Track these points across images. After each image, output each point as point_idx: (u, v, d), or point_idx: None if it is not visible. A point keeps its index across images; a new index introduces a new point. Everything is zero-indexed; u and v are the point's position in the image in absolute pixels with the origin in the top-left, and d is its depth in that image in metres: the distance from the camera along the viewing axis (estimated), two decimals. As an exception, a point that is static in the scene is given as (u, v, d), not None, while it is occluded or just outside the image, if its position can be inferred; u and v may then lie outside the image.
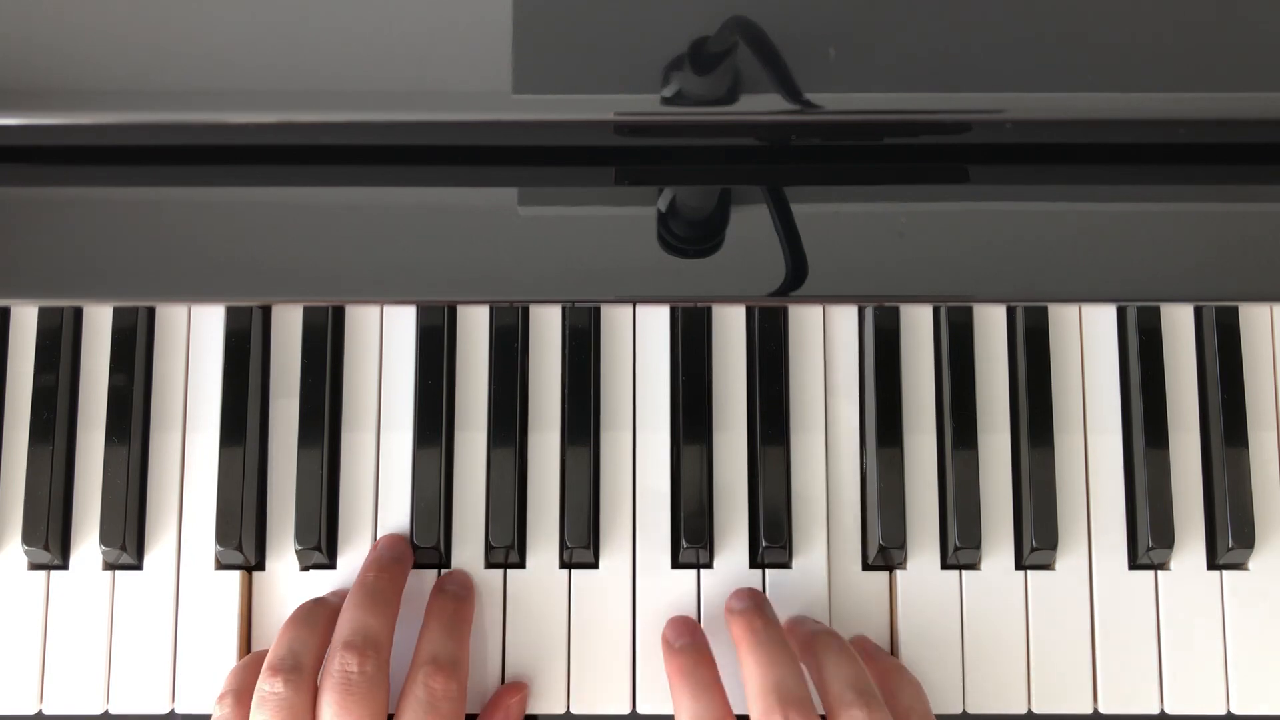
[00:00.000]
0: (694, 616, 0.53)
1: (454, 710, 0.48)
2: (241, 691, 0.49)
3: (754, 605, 0.50)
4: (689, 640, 0.50)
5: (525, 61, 0.49)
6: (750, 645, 0.48)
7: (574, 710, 0.53)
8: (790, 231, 0.51)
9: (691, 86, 0.49)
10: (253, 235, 0.51)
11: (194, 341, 0.55)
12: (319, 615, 0.50)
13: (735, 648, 0.49)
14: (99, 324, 0.55)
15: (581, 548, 0.53)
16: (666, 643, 0.51)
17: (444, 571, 0.54)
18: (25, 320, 0.56)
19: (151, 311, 0.56)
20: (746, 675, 0.47)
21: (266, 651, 0.50)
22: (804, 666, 0.48)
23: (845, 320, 0.55)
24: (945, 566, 0.54)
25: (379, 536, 0.54)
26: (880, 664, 0.50)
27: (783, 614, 0.53)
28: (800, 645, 0.50)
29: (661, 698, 0.53)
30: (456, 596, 0.52)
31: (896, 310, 0.55)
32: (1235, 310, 0.55)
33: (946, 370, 0.55)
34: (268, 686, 0.47)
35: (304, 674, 0.47)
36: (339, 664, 0.46)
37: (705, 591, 0.53)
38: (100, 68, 0.49)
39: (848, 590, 0.54)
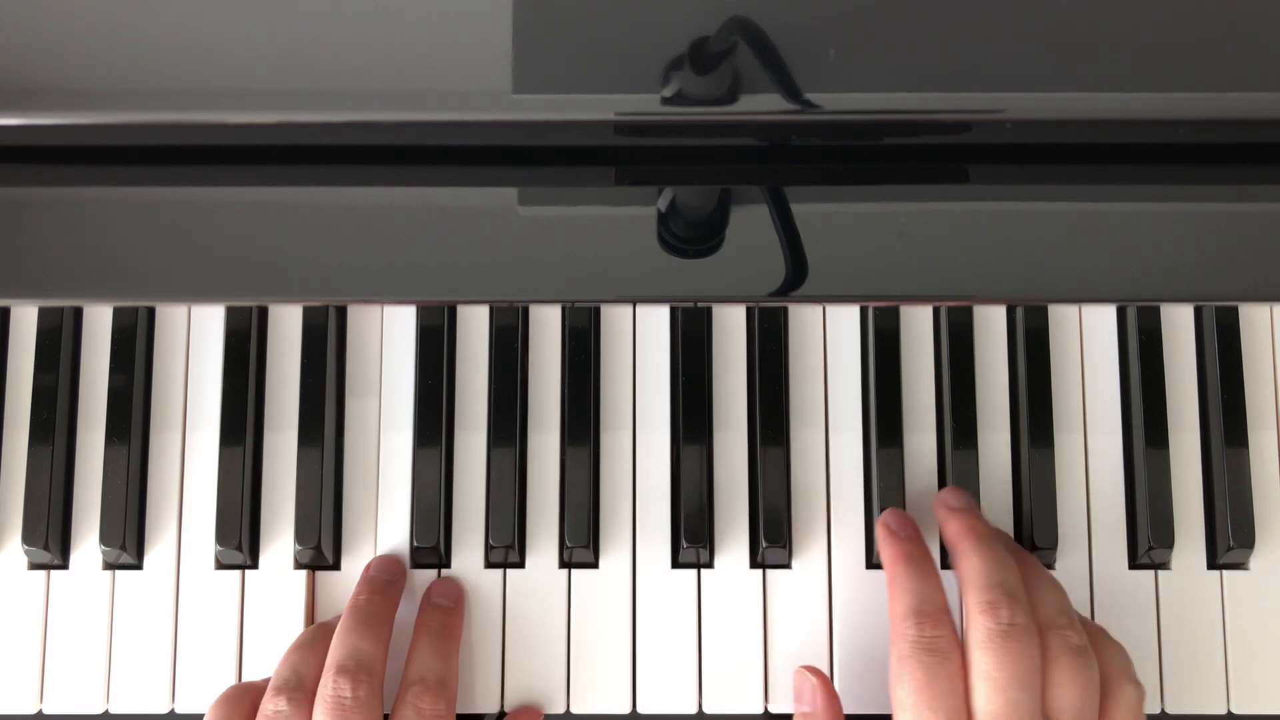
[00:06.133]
0: (694, 617, 0.53)
1: None
2: None
3: (972, 507, 0.52)
4: (913, 532, 0.51)
5: (525, 61, 0.49)
6: (974, 543, 0.49)
7: (574, 710, 0.53)
8: (790, 231, 0.51)
9: (691, 86, 0.49)
10: (253, 235, 0.51)
11: (194, 341, 0.55)
12: (320, 637, 0.51)
13: (951, 543, 0.50)
14: (99, 324, 0.55)
15: (581, 547, 0.53)
16: (888, 529, 0.51)
17: (436, 580, 0.54)
18: (25, 320, 0.55)
19: (151, 311, 0.56)
20: (968, 568, 0.48)
21: (252, 685, 0.51)
22: None
23: (845, 320, 0.55)
24: (945, 566, 0.54)
25: (372, 556, 0.54)
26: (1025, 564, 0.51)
27: (784, 614, 0.53)
28: None
29: (661, 698, 0.53)
30: (445, 610, 0.52)
31: (896, 310, 0.55)
32: (1235, 310, 0.55)
33: (946, 370, 0.55)
34: (271, 706, 0.48)
35: (307, 692, 0.48)
36: (332, 688, 0.47)
37: (705, 591, 0.53)
38: (100, 68, 0.49)
39: (848, 590, 0.54)
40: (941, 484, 0.54)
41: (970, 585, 0.48)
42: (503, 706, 0.53)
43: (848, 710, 0.52)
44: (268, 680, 0.50)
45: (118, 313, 0.55)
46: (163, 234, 0.51)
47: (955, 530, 0.50)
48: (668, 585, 0.54)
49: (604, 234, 0.51)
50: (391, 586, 0.52)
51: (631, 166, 0.52)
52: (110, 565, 0.54)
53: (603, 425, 0.55)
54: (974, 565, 0.48)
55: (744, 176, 0.52)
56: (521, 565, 0.54)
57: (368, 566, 0.53)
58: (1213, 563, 0.54)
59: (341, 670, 0.47)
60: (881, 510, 0.53)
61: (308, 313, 0.55)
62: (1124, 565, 0.54)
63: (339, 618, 0.52)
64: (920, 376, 0.55)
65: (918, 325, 0.55)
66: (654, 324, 0.55)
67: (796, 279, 0.51)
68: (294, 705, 0.47)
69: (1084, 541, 0.54)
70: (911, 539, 0.51)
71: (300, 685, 0.48)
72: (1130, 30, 0.49)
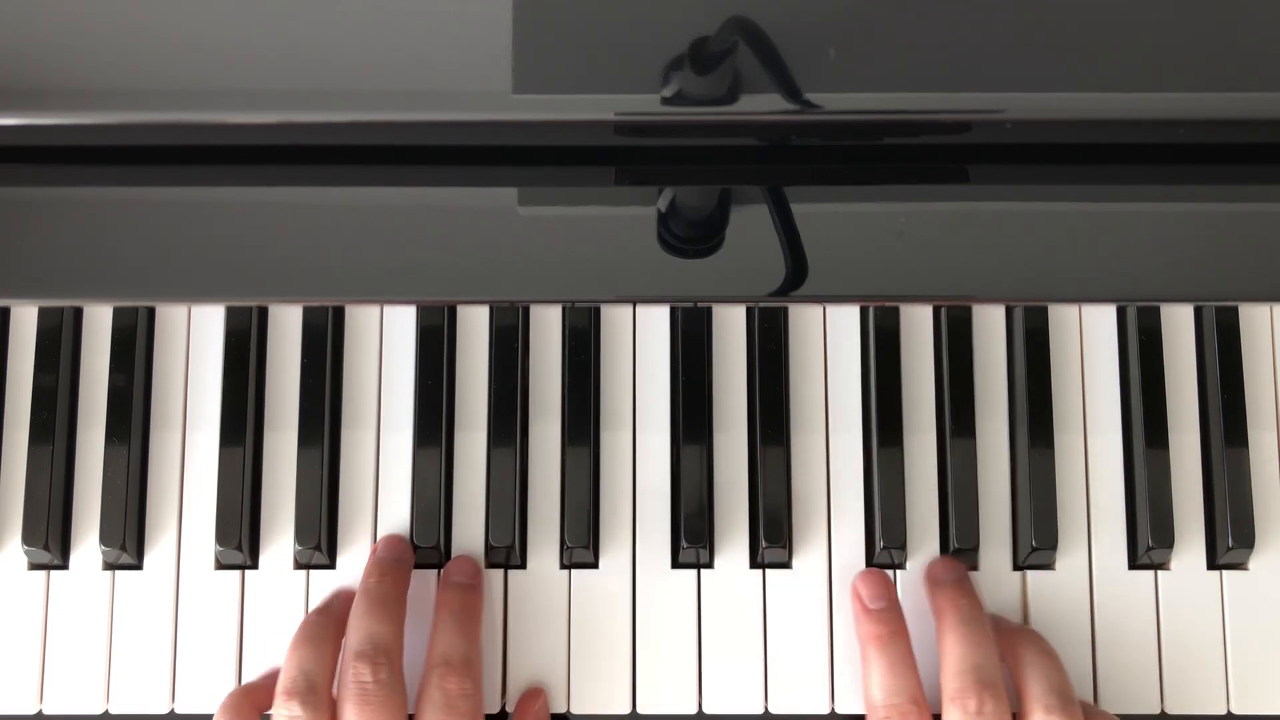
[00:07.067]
0: (694, 617, 0.53)
1: (471, 708, 0.48)
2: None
3: (960, 579, 0.51)
4: (886, 604, 0.51)
5: (525, 61, 0.49)
6: (954, 622, 0.49)
7: (574, 710, 0.53)
8: (790, 231, 0.51)
9: (691, 86, 0.49)
10: (253, 235, 0.51)
11: (194, 341, 0.55)
12: (325, 629, 0.50)
13: (935, 617, 0.50)
14: (99, 324, 0.55)
15: (581, 548, 0.53)
16: (860, 601, 0.51)
17: (452, 559, 0.53)
18: (25, 320, 0.55)
19: (151, 311, 0.56)
20: (946, 651, 0.48)
21: (250, 687, 0.51)
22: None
23: (845, 320, 0.55)
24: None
25: (378, 538, 0.54)
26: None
27: (784, 614, 0.53)
28: (999, 639, 0.50)
29: (661, 698, 0.53)
30: (464, 587, 0.52)
31: (896, 310, 0.55)
32: (1235, 310, 0.55)
33: (946, 370, 0.55)
34: (285, 712, 0.47)
35: (319, 693, 0.48)
36: (354, 675, 0.47)
37: (705, 591, 0.53)
38: (100, 67, 0.49)
39: (848, 590, 0.53)
40: (942, 484, 0.54)
41: (945, 669, 0.48)
42: (504, 705, 0.53)
43: (848, 710, 0.53)
44: (263, 681, 0.50)
45: (118, 313, 0.55)
46: (163, 234, 0.51)
47: (939, 605, 0.50)
48: (668, 585, 0.54)
49: (604, 234, 0.51)
50: (400, 566, 0.52)
51: (631, 166, 0.52)
52: (110, 565, 0.54)
53: (603, 425, 0.55)
54: (950, 647, 0.48)
55: (744, 176, 0.52)
56: (522, 565, 0.54)
57: (374, 549, 0.53)
58: (1213, 563, 0.54)
59: (360, 656, 0.47)
60: (881, 511, 0.53)
61: (308, 313, 0.55)
62: (1124, 565, 0.54)
63: (337, 596, 0.52)
64: (920, 376, 0.55)
65: (918, 325, 0.55)
66: (654, 324, 0.55)
67: (796, 279, 0.51)
68: (309, 709, 0.47)
69: (1084, 542, 0.54)
70: (883, 618, 0.50)
71: (312, 688, 0.47)
72: (1130, 30, 0.49)
